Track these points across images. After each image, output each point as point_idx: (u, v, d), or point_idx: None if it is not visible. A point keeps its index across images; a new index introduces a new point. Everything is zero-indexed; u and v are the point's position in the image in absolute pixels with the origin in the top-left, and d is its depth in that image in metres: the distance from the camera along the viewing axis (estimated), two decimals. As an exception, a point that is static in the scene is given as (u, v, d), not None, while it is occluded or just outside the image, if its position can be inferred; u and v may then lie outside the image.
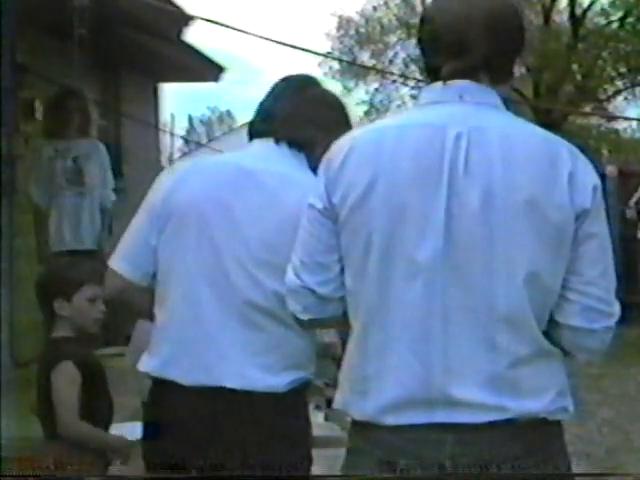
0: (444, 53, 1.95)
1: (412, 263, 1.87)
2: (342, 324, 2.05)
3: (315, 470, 2.66)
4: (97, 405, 3.29)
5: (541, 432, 1.90)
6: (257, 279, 2.38)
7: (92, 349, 3.59)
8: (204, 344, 2.39)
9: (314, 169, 2.41)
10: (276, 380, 2.37)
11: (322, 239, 1.97)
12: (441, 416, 1.85)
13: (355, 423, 1.96)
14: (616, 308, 1.95)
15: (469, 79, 1.94)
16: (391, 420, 1.88)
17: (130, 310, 2.75)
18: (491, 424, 1.85)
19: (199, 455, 2.36)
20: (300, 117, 2.48)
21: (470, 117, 1.91)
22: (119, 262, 2.51)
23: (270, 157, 2.48)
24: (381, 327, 1.90)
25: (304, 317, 2.04)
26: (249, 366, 2.37)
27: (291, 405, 2.41)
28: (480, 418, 1.85)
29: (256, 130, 2.55)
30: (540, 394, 1.89)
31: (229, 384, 2.35)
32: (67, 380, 3.23)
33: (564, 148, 1.93)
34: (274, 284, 2.32)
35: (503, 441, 1.86)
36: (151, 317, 2.52)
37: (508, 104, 2.01)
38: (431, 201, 1.87)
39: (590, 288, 1.91)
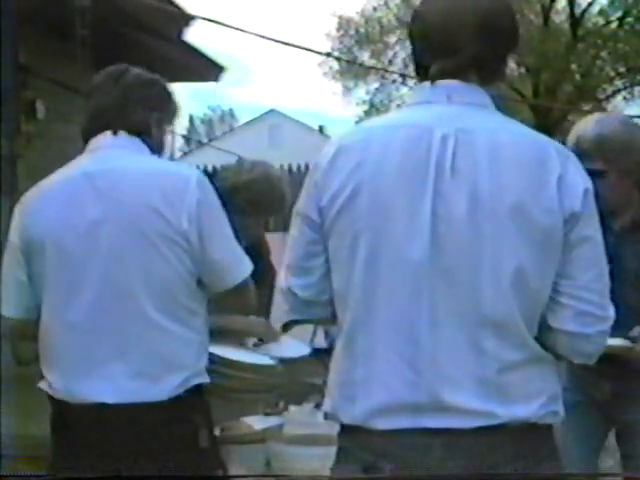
0: (433, 52, 1.92)
1: (399, 266, 1.84)
2: (330, 324, 2.05)
3: (314, 468, 2.68)
4: None
5: (530, 436, 1.86)
6: (126, 285, 2.34)
7: None
8: (82, 363, 2.37)
9: (154, 151, 2.50)
10: (156, 388, 2.33)
11: (302, 244, 1.96)
12: (429, 421, 1.83)
13: (344, 427, 1.94)
14: (610, 312, 1.91)
15: (458, 79, 1.91)
16: (379, 425, 1.85)
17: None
18: (479, 429, 1.81)
19: (96, 470, 2.33)
20: (128, 103, 2.48)
21: (457, 118, 1.88)
22: (2, 306, 2.51)
23: (110, 153, 2.46)
24: (368, 331, 1.87)
25: (289, 317, 2.04)
26: (126, 377, 2.33)
27: (174, 411, 2.34)
28: (468, 423, 1.81)
29: (92, 129, 2.51)
30: (530, 399, 1.85)
31: (108, 400, 2.32)
32: None
33: (554, 150, 1.88)
34: (142, 286, 2.33)
35: (491, 446, 1.83)
36: None
37: (498, 103, 1.98)
38: (417, 203, 1.83)
39: (584, 292, 1.87)
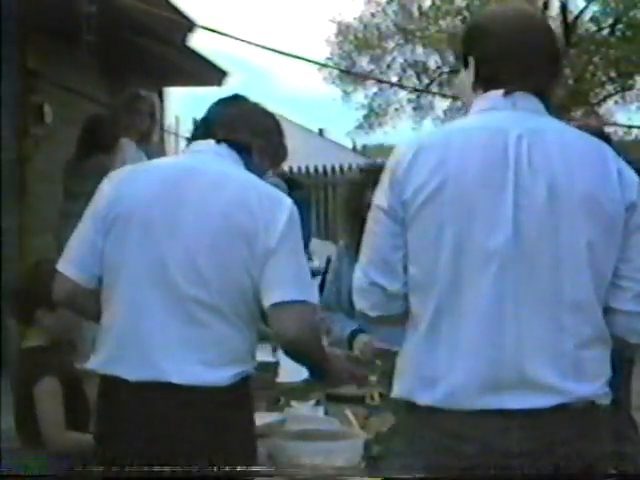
0: (507, 73, 2.14)
1: (484, 252, 2.01)
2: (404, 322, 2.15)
3: (317, 463, 2.69)
4: (77, 412, 3.28)
5: (591, 416, 2.03)
6: (202, 276, 2.44)
7: (68, 357, 3.49)
8: (147, 341, 2.44)
9: (251, 171, 2.65)
10: (217, 375, 2.43)
11: (387, 238, 2.10)
12: (509, 400, 1.97)
13: (418, 411, 2.04)
14: None
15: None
16: (461, 404, 1.98)
17: (79, 313, 2.82)
18: (554, 408, 1.97)
19: (146, 448, 2.42)
20: (237, 122, 2.66)
21: (526, 121, 2.10)
22: (67, 265, 2.56)
23: (210, 156, 2.61)
24: (453, 316, 2.02)
25: (373, 314, 2.16)
26: (191, 362, 2.42)
27: (233, 399, 2.46)
28: (546, 402, 1.97)
29: (197, 135, 2.69)
30: (595, 378, 2.04)
31: (173, 379, 2.40)
32: (51, 396, 3.22)
33: (608, 149, 2.14)
34: (219, 280, 2.43)
35: (561, 424, 1.99)
36: (99, 320, 2.56)
37: (551, 112, 2.20)
38: (499, 196, 2.02)
39: None
